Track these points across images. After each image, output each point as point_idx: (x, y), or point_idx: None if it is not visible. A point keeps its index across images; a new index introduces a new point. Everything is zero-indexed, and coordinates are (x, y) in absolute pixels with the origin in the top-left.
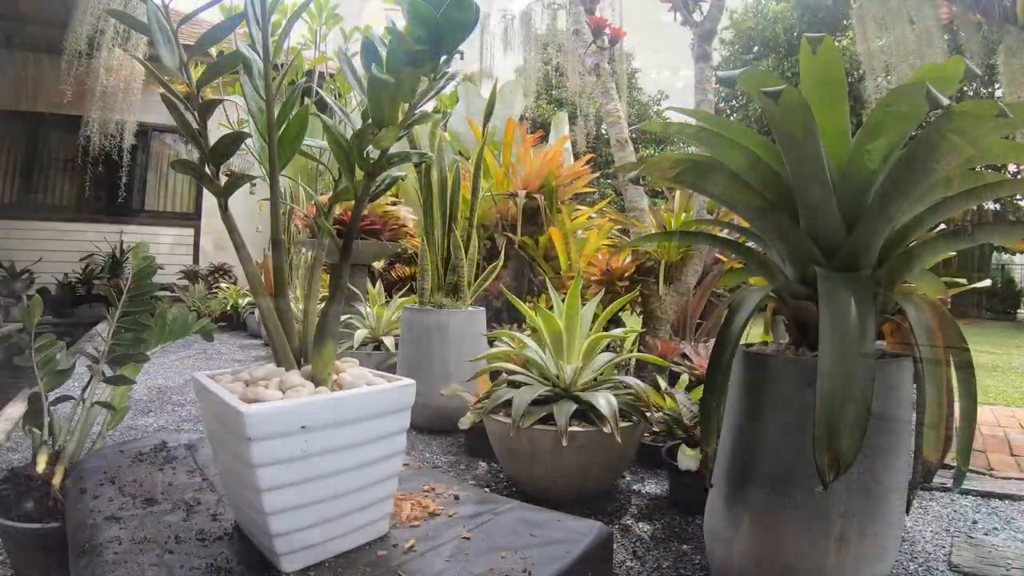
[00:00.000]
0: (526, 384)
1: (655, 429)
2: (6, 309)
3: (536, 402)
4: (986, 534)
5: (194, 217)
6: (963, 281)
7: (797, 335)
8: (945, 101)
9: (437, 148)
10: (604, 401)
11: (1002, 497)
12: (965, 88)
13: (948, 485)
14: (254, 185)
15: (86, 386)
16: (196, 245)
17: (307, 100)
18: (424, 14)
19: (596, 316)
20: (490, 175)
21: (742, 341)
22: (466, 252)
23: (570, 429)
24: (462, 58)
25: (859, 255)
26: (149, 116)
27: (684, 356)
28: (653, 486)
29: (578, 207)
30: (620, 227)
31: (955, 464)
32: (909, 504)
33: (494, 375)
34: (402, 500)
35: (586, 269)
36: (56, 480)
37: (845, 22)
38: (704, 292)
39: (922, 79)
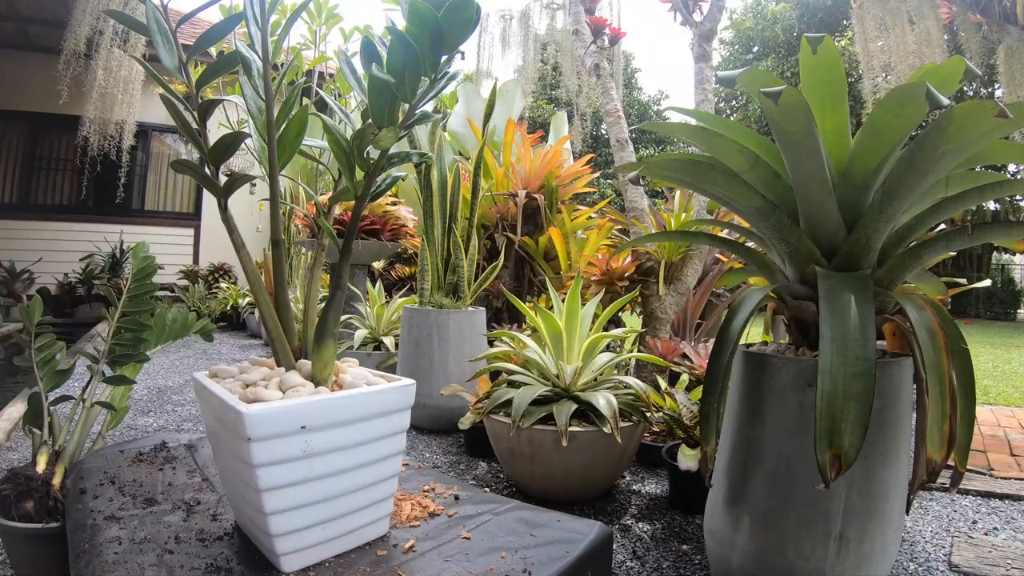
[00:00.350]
0: (526, 384)
1: (655, 429)
2: (6, 309)
3: (536, 402)
4: (986, 534)
5: (194, 217)
6: (963, 281)
7: (797, 335)
8: (945, 101)
9: (437, 148)
10: (604, 401)
11: (1002, 497)
12: (965, 88)
13: (948, 485)
14: (254, 185)
15: (86, 386)
16: (196, 245)
17: (306, 100)
18: (424, 14)
19: (596, 316)
20: (490, 175)
21: (742, 341)
22: (466, 252)
23: (570, 429)
24: (463, 58)
25: (859, 255)
26: (149, 116)
27: (684, 356)
28: (653, 486)
29: (578, 207)
30: (620, 227)
31: (954, 464)
32: (909, 504)
33: (494, 375)
34: (402, 500)
35: (586, 269)
36: (56, 480)
37: (845, 22)
38: (704, 292)
39: (922, 79)
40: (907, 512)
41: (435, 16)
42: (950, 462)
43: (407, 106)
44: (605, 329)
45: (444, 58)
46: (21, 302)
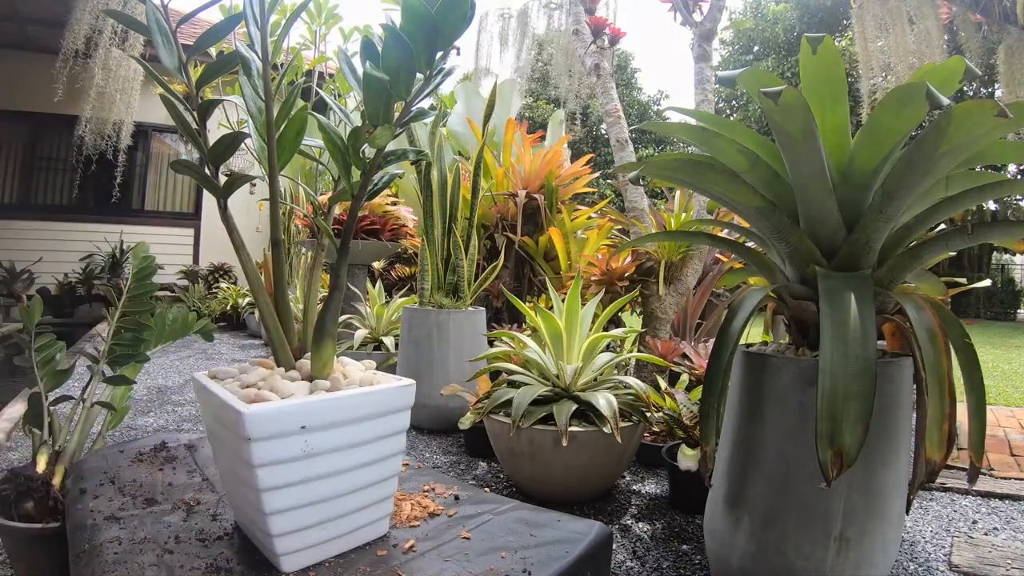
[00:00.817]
0: (526, 384)
1: (655, 429)
2: (6, 309)
3: (536, 402)
4: (986, 534)
5: (194, 217)
6: (963, 281)
7: (797, 335)
8: (945, 101)
9: (437, 148)
10: (604, 401)
11: (1002, 497)
12: (965, 88)
13: (948, 485)
14: (254, 185)
15: (86, 386)
16: (196, 245)
17: (302, 102)
18: (419, 10)
19: (596, 316)
20: (490, 175)
21: (742, 341)
22: (466, 252)
23: (570, 429)
24: (458, 54)
25: (859, 255)
26: (149, 116)
27: (684, 356)
28: (653, 486)
29: (578, 207)
30: (620, 227)
31: (955, 464)
32: (909, 504)
33: (494, 375)
34: (402, 500)
35: (586, 269)
36: (56, 480)
37: (845, 22)
38: (704, 292)
39: (922, 79)
40: (907, 512)
41: (429, 13)
42: (952, 462)
43: (403, 104)
44: (605, 329)
45: (439, 54)
46: (21, 302)
